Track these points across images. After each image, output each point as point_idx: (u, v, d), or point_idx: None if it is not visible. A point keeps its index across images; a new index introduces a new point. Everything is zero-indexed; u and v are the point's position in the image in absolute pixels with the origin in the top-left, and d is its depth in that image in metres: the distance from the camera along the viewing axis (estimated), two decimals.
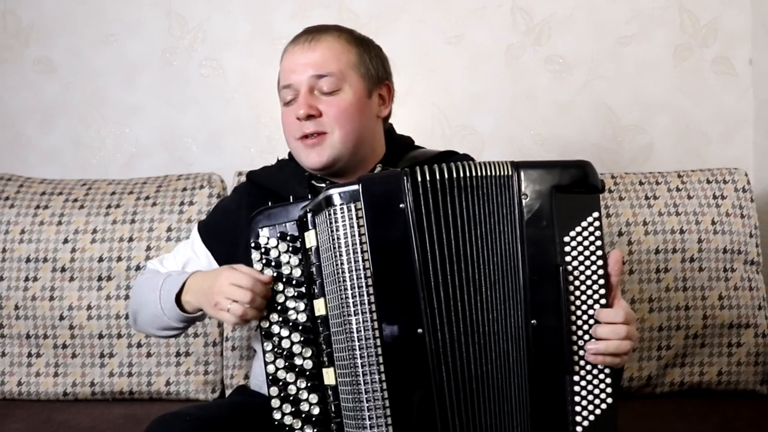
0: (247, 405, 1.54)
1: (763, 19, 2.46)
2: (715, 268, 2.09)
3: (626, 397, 2.06)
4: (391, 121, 1.68)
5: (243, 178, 2.14)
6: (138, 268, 2.09)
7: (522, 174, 1.28)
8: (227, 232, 1.60)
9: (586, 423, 1.27)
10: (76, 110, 2.52)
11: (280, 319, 1.34)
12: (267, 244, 1.36)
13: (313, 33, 1.54)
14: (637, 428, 1.81)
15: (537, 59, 2.50)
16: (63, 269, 2.10)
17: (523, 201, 1.27)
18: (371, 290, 1.25)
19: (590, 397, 1.28)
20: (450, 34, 2.50)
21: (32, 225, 2.13)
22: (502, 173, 1.29)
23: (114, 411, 1.98)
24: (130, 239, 2.11)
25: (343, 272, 1.26)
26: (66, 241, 2.11)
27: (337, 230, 1.26)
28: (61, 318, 2.08)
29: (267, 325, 1.35)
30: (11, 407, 2.01)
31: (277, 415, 1.33)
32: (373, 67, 1.55)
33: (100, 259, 2.10)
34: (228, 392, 2.06)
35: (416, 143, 1.71)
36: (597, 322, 1.28)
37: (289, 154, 1.64)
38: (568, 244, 1.27)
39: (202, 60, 2.50)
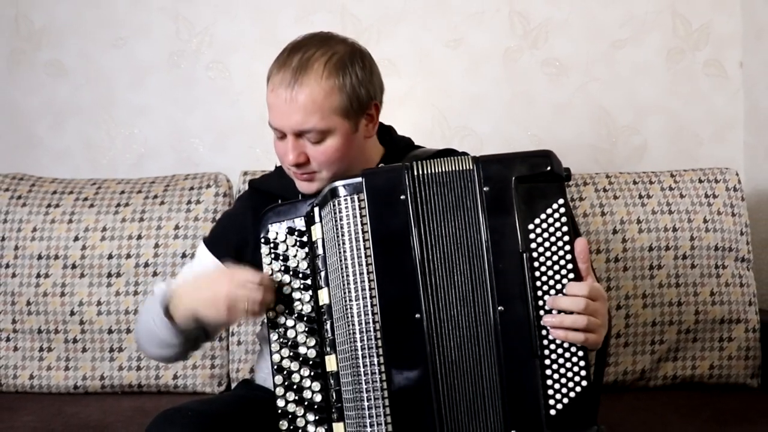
0: (251, 398, 1.54)
1: (752, 23, 2.45)
2: (707, 265, 2.09)
3: (620, 390, 2.06)
4: (391, 122, 1.67)
5: (248, 178, 2.14)
6: (146, 264, 2.09)
7: (482, 168, 1.30)
8: (235, 236, 1.59)
9: (559, 406, 1.27)
10: (86, 112, 2.51)
11: (286, 309, 1.36)
12: (276, 238, 1.38)
13: (296, 74, 1.40)
14: (631, 421, 1.81)
15: (534, 62, 2.49)
16: (73, 266, 2.10)
17: (485, 192, 1.29)
18: (372, 276, 1.27)
19: (563, 380, 1.27)
20: (449, 38, 2.50)
21: (44, 223, 2.12)
22: (464, 168, 1.30)
23: (123, 404, 1.98)
24: (139, 237, 2.11)
25: (345, 260, 1.28)
26: (76, 238, 2.11)
27: (341, 220, 1.28)
28: (72, 313, 2.08)
29: (273, 315, 1.36)
30: (23, 400, 2.01)
31: (280, 403, 1.34)
32: (357, 97, 1.43)
33: (110, 257, 2.10)
34: (234, 385, 2.05)
35: (416, 143, 1.70)
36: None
37: None
38: (532, 231, 1.28)
39: (209, 63, 2.50)
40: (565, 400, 1.27)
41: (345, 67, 1.43)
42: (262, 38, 2.49)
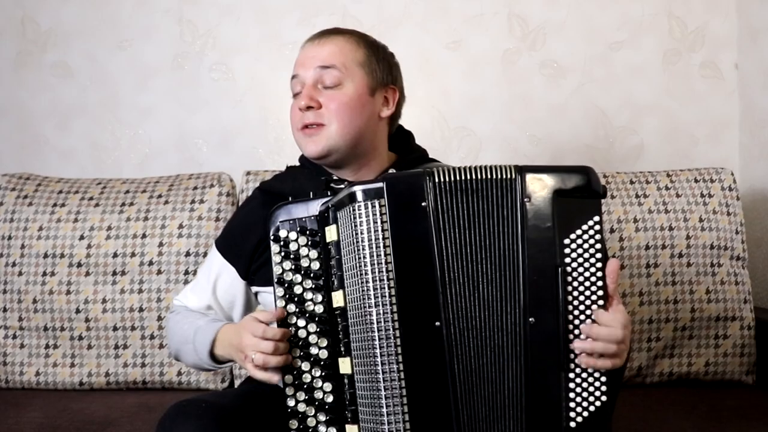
0: (258, 393, 1.53)
1: (747, 25, 2.45)
2: (702, 263, 2.08)
3: None
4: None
5: (252, 177, 2.14)
6: (151, 263, 2.08)
7: (526, 178, 1.27)
8: (250, 244, 1.57)
9: (579, 419, 1.25)
10: (92, 112, 2.51)
11: (297, 309, 1.33)
12: (287, 237, 1.34)
13: (327, 32, 1.56)
14: (628, 417, 1.80)
15: (532, 64, 2.49)
16: (79, 264, 2.09)
17: (526, 203, 1.26)
18: (392, 283, 1.24)
19: (585, 394, 1.26)
20: (449, 40, 2.49)
21: (50, 222, 2.12)
22: (506, 176, 1.28)
23: (128, 400, 1.98)
24: (144, 236, 2.10)
25: (364, 265, 1.25)
26: (82, 237, 2.10)
27: (360, 225, 1.25)
28: (78, 311, 2.08)
29: (285, 315, 1.34)
30: (30, 396, 2.01)
31: (290, 402, 1.31)
32: (379, 69, 1.55)
33: (115, 255, 2.09)
34: (237, 382, 2.05)
35: (419, 145, 1.69)
36: (594, 322, 1.26)
37: (299, 158, 1.62)
38: (568, 246, 1.26)
39: (213, 64, 2.49)
40: (585, 414, 1.25)
41: (373, 45, 1.58)
42: (265, 40, 2.49)
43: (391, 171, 1.54)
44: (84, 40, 2.50)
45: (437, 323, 1.24)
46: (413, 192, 1.26)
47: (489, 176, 1.28)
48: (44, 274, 2.09)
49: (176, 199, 2.15)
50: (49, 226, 2.12)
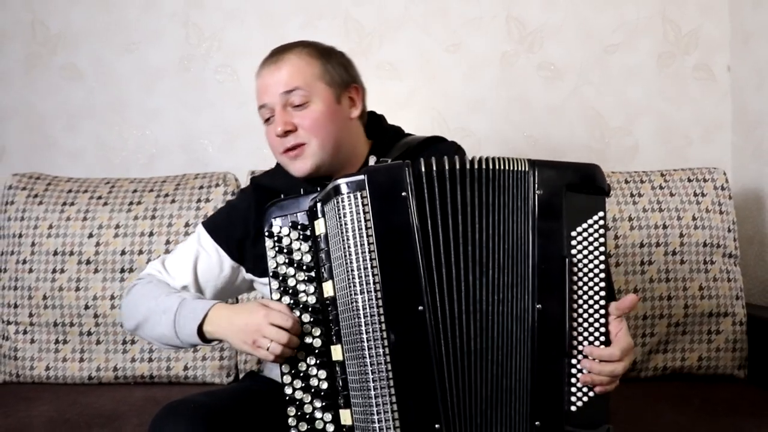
0: (255, 390, 1.54)
1: (740, 28, 2.45)
2: (695, 260, 2.09)
3: None
4: (393, 123, 1.67)
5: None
6: None
7: (538, 171, 1.29)
8: (239, 230, 1.58)
9: (579, 403, 1.28)
10: (100, 114, 2.52)
11: (292, 301, 1.35)
12: (280, 232, 1.37)
13: (277, 54, 1.54)
14: (623, 410, 1.80)
15: (530, 66, 2.49)
16: (88, 262, 2.10)
17: (538, 195, 1.29)
18: (376, 271, 1.26)
19: None
20: (449, 43, 2.50)
21: (59, 221, 2.13)
22: (519, 169, 1.30)
23: (135, 394, 1.98)
24: (151, 234, 2.11)
25: (349, 255, 1.27)
26: (91, 235, 2.11)
27: (345, 216, 1.27)
28: (86, 307, 2.08)
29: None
30: (40, 390, 2.02)
31: (288, 390, 1.33)
32: (337, 74, 1.53)
33: (123, 253, 2.10)
34: (242, 376, 2.06)
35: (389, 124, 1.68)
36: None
37: None
38: (574, 238, 1.29)
39: (218, 66, 2.50)
40: (585, 399, 1.28)
41: (324, 52, 1.55)
42: (269, 42, 2.45)
43: (371, 158, 1.55)
44: (92, 43, 2.50)
45: (420, 308, 1.26)
46: (394, 182, 1.28)
47: (501, 167, 1.30)
48: (54, 271, 2.10)
49: (182, 198, 2.16)
50: (58, 225, 2.12)
